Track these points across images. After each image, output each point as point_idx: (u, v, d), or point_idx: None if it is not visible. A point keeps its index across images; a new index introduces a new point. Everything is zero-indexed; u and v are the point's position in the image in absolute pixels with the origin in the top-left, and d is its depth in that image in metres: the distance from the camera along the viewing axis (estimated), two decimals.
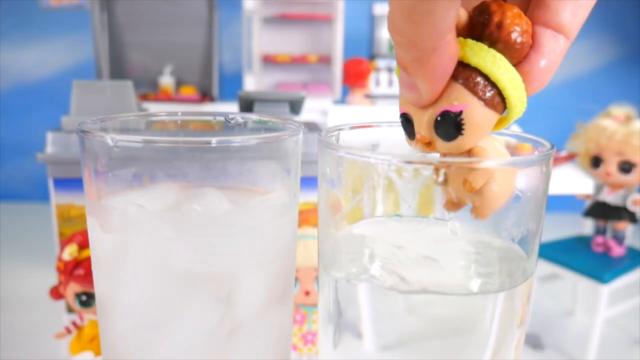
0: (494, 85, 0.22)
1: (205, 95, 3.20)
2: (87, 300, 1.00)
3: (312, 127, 1.43)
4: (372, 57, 3.30)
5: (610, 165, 1.74)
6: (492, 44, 0.22)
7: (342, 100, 3.13)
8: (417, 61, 0.21)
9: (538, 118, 3.40)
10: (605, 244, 1.83)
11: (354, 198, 0.27)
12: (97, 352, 1.02)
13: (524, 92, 0.23)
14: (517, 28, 0.21)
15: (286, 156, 0.32)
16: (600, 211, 1.82)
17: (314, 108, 2.71)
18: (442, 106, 0.22)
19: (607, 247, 1.82)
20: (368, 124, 0.31)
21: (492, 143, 0.24)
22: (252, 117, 0.36)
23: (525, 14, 0.23)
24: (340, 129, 0.29)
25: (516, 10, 0.22)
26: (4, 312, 2.06)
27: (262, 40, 3.15)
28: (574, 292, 2.22)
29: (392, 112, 0.28)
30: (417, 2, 0.20)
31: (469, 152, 0.23)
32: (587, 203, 1.88)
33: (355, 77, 2.96)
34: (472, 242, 0.28)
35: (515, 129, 1.64)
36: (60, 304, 1.24)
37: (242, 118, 0.36)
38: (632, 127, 1.71)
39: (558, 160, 1.94)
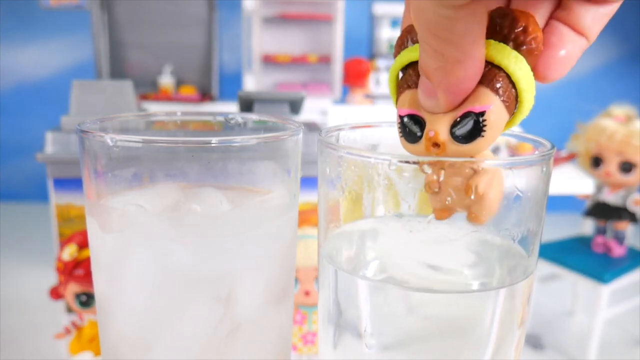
0: (513, 86, 0.22)
1: (205, 95, 3.20)
2: (87, 300, 1.00)
3: (312, 127, 1.43)
4: (372, 57, 3.30)
5: (611, 165, 1.74)
6: (517, 46, 0.22)
7: (342, 100, 3.13)
8: (441, 70, 0.21)
9: (538, 118, 3.40)
10: (606, 244, 1.83)
11: (354, 198, 0.27)
12: (97, 352, 1.02)
13: (533, 100, 0.23)
14: (538, 34, 0.22)
15: (286, 156, 0.32)
16: (601, 211, 1.82)
17: (314, 108, 2.71)
18: (465, 108, 0.22)
19: (608, 247, 1.82)
20: (368, 124, 0.31)
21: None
22: (252, 117, 0.36)
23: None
24: (340, 129, 0.29)
25: (533, 17, 0.22)
26: (4, 312, 2.06)
27: (262, 40, 3.15)
28: (574, 292, 2.22)
29: (392, 112, 0.28)
30: (438, 19, 0.20)
31: None
32: (587, 203, 1.88)
33: (355, 77, 2.95)
34: (472, 242, 0.28)
35: (515, 128, 1.64)
36: (60, 304, 1.24)
37: (242, 118, 0.36)
38: (633, 127, 1.71)
39: (558, 160, 1.94)
